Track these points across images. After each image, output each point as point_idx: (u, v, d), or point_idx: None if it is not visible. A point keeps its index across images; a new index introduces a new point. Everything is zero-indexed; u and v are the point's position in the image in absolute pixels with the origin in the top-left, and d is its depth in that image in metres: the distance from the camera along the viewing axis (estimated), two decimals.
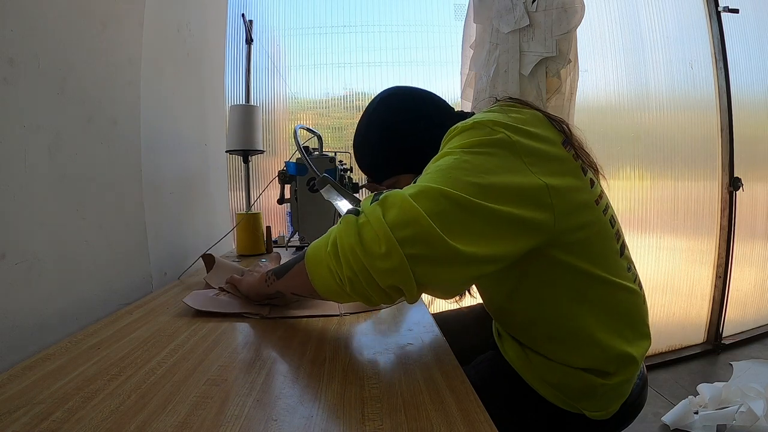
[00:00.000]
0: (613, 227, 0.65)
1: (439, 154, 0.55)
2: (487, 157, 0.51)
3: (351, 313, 0.71)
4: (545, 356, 0.64)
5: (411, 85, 0.81)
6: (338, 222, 0.50)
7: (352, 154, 0.83)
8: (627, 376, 0.65)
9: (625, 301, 0.64)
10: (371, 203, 0.48)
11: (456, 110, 0.79)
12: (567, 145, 0.60)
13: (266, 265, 0.84)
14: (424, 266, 0.45)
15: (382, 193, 0.48)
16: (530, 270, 0.58)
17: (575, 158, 0.60)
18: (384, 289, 0.46)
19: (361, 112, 0.81)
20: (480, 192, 0.48)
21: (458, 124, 0.58)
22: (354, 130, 0.82)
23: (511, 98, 0.67)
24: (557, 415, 0.65)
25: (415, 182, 0.69)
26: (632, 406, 0.68)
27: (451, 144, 0.55)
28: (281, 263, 0.69)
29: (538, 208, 0.52)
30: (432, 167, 0.52)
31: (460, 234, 0.46)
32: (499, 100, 0.66)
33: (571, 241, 0.57)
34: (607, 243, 0.62)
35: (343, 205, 0.82)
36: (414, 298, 0.48)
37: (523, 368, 0.67)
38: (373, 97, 0.80)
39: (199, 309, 0.71)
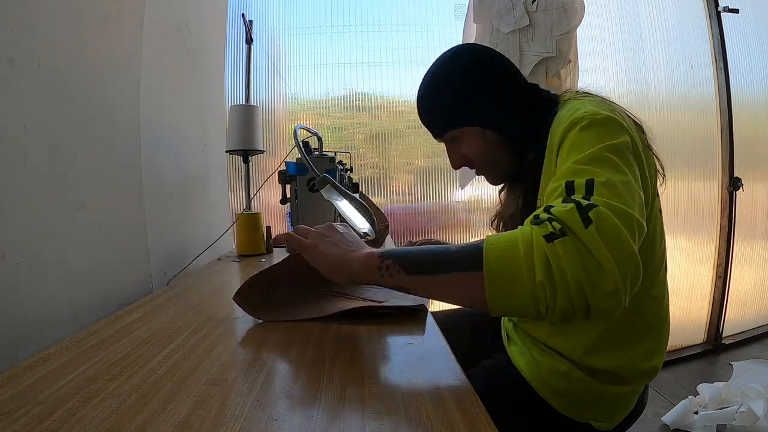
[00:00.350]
0: (664, 238, 0.67)
1: (589, 151, 0.51)
2: (633, 167, 0.52)
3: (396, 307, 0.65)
4: (566, 357, 0.64)
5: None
6: (528, 230, 0.44)
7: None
8: (641, 385, 0.65)
9: (662, 313, 0.67)
10: (583, 223, 0.42)
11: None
12: (648, 147, 0.62)
13: (331, 230, 0.60)
14: (630, 294, 0.43)
15: (580, 205, 0.43)
16: None
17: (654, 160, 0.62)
18: (593, 318, 0.44)
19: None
20: (642, 210, 0.48)
21: (581, 113, 0.55)
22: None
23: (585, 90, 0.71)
24: (561, 423, 0.65)
25: (500, 134, 0.71)
26: (634, 411, 0.68)
27: (592, 140, 0.53)
28: (397, 248, 0.54)
29: (649, 215, 0.54)
30: (602, 175, 0.48)
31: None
32: (581, 92, 0.69)
33: (650, 239, 0.59)
34: (659, 255, 0.65)
35: (344, 205, 0.82)
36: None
37: (531, 373, 0.67)
38: (443, 52, 0.75)
39: (267, 319, 0.63)
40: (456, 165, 0.77)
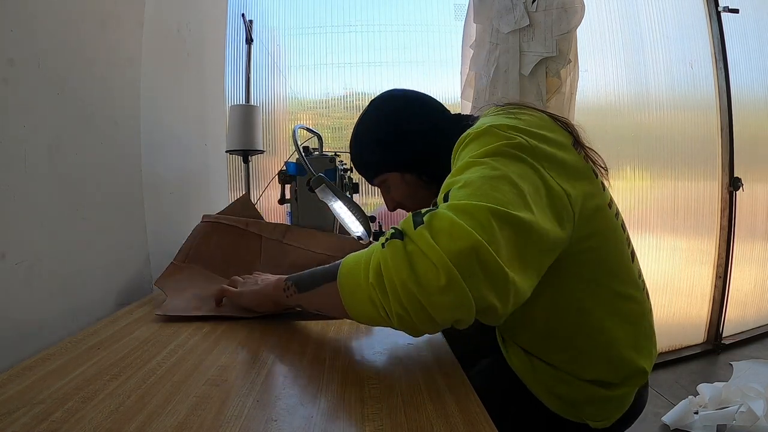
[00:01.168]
0: (624, 232, 0.65)
1: (460, 164, 0.51)
2: (513, 163, 0.49)
3: None
4: (553, 366, 0.64)
5: (406, 87, 0.82)
6: (378, 243, 0.45)
7: (350, 140, 0.83)
8: (633, 387, 0.65)
9: (637, 310, 0.64)
10: (414, 226, 0.42)
11: (453, 112, 0.79)
12: (577, 147, 0.60)
13: (255, 276, 0.72)
14: (484, 295, 0.41)
15: (419, 213, 0.44)
16: (545, 281, 0.52)
17: (585, 160, 0.60)
18: (438, 322, 0.42)
19: (362, 112, 0.81)
20: (519, 203, 0.45)
21: (470, 130, 0.56)
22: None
23: (510, 103, 0.67)
24: (558, 423, 0.65)
25: (425, 181, 0.71)
26: (633, 410, 0.68)
27: (469, 151, 0.53)
28: (299, 273, 0.60)
29: (563, 217, 0.50)
30: (461, 179, 0.48)
31: (510, 259, 0.42)
32: (499, 106, 0.66)
33: (584, 249, 0.56)
34: (620, 249, 0.62)
35: (338, 207, 0.81)
36: (467, 326, 0.44)
37: (527, 376, 0.67)
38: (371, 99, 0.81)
39: (180, 315, 0.67)
40: (390, 208, 0.82)
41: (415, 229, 0.42)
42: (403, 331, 0.45)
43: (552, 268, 0.51)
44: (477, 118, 0.69)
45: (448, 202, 0.44)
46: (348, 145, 0.82)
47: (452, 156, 0.59)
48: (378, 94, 0.81)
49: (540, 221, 0.46)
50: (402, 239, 0.42)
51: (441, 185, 0.60)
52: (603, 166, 0.63)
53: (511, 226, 0.43)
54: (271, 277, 0.66)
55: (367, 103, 0.82)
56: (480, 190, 0.45)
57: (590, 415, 0.64)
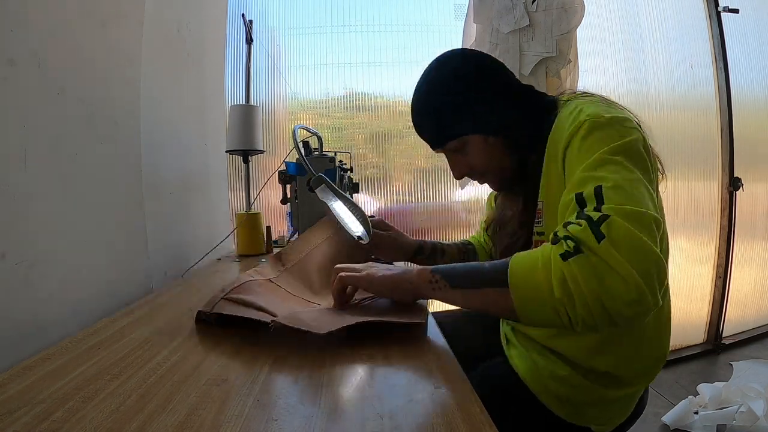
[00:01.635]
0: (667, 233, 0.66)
1: (594, 157, 0.52)
2: (639, 161, 0.52)
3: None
4: (566, 358, 0.64)
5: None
6: (549, 249, 0.47)
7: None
8: (639, 388, 0.65)
9: (667, 308, 0.68)
10: (597, 239, 0.44)
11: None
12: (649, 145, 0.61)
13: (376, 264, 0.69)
14: (659, 301, 0.44)
15: (591, 219, 0.45)
16: None
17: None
18: (621, 325, 0.45)
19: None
20: (653, 206, 0.48)
21: (588, 118, 0.55)
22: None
23: (585, 92, 0.70)
24: (560, 426, 0.65)
25: (509, 149, 0.69)
26: (634, 412, 0.68)
27: (596, 143, 0.53)
28: (449, 265, 0.58)
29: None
30: (609, 178, 0.49)
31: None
32: (578, 93, 0.69)
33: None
34: (666, 249, 0.63)
35: (338, 206, 0.81)
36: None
37: (530, 376, 0.67)
38: (429, 63, 0.73)
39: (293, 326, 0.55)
40: (459, 175, 0.74)
41: (598, 243, 0.43)
42: (582, 333, 0.50)
43: None
44: (556, 98, 0.70)
45: (611, 206, 0.46)
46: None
47: (565, 139, 0.57)
48: (437, 56, 0.72)
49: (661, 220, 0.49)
50: (583, 252, 0.44)
51: (522, 150, 0.68)
52: (663, 171, 0.65)
53: (657, 228, 0.46)
54: (400, 268, 0.63)
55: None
56: (634, 196, 0.47)
57: (593, 418, 0.64)
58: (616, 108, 0.59)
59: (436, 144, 0.73)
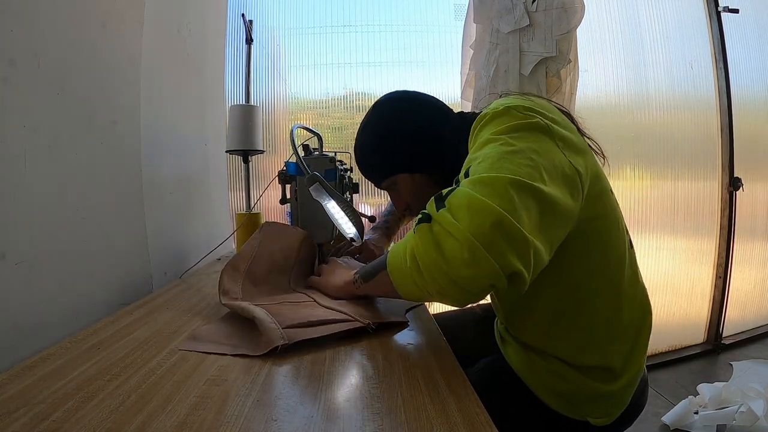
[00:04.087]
0: (622, 220, 0.66)
1: (478, 143, 0.54)
2: (530, 140, 0.51)
3: (378, 322, 0.63)
4: (556, 357, 0.64)
5: (408, 89, 0.82)
6: (412, 230, 0.49)
7: (352, 156, 0.84)
8: (631, 380, 0.65)
9: (635, 292, 0.66)
10: (437, 208, 0.46)
11: (455, 111, 0.79)
12: (581, 133, 0.62)
13: (344, 262, 0.86)
14: (509, 261, 0.43)
15: (441, 194, 0.48)
16: (552, 262, 0.53)
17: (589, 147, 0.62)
18: (473, 292, 0.46)
19: (361, 112, 0.81)
20: (536, 175, 0.47)
21: (487, 110, 0.57)
22: (354, 130, 0.82)
23: (511, 93, 0.69)
24: (558, 421, 0.65)
25: (438, 180, 0.73)
26: (633, 409, 0.68)
27: (489, 131, 0.54)
28: (367, 264, 0.68)
29: (575, 194, 0.52)
30: (480, 155, 0.50)
31: (530, 226, 0.45)
32: (505, 95, 0.67)
33: (589, 230, 0.58)
34: (620, 234, 0.64)
35: (331, 206, 0.80)
36: (505, 287, 0.46)
37: (526, 373, 0.67)
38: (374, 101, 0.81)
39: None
40: (400, 210, 0.83)
41: (437, 210, 0.46)
42: (448, 304, 0.50)
43: (559, 248, 0.53)
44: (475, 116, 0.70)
45: (467, 179, 0.47)
46: (348, 145, 0.83)
47: (470, 137, 0.60)
48: (380, 96, 0.81)
49: (555, 192, 0.48)
50: (429, 222, 0.46)
51: (449, 182, 0.63)
52: (602, 154, 0.65)
53: (528, 195, 0.45)
54: (344, 271, 0.76)
55: (367, 104, 0.83)
56: (497, 164, 0.47)
57: (589, 412, 0.64)
58: (531, 101, 0.58)
59: (374, 182, 0.81)
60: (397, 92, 0.80)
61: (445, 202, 0.46)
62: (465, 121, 0.69)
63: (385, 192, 0.85)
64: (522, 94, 0.67)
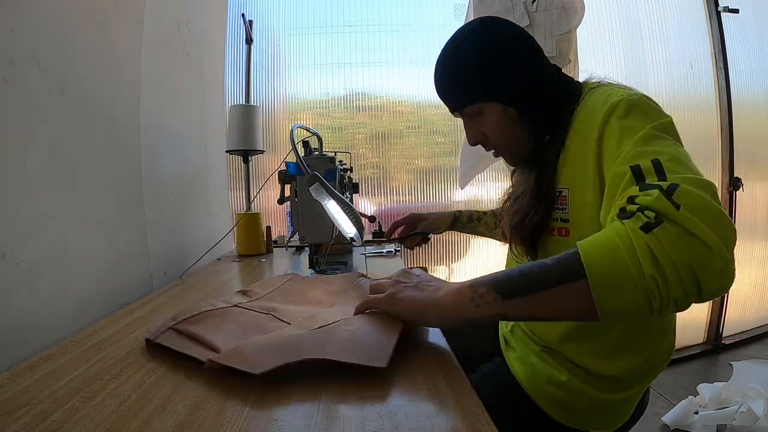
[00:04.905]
0: None
1: (641, 134, 0.51)
2: (679, 140, 0.53)
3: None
4: (571, 360, 0.64)
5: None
6: (622, 227, 0.41)
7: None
8: (640, 389, 0.65)
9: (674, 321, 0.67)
10: (673, 205, 0.40)
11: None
12: None
13: (362, 282, 0.73)
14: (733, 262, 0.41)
15: (660, 188, 0.42)
16: None
17: None
18: (704, 302, 0.42)
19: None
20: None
21: (623, 97, 0.56)
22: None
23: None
24: (557, 431, 0.65)
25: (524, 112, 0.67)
26: (634, 415, 0.68)
27: (638, 120, 0.53)
28: (491, 275, 0.49)
29: None
30: (664, 152, 0.47)
31: None
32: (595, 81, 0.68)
33: None
34: None
35: (331, 206, 0.80)
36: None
37: (528, 382, 0.67)
38: (460, 27, 0.70)
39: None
40: (473, 141, 0.73)
41: (678, 210, 0.40)
42: (666, 315, 0.44)
43: None
44: (579, 82, 0.70)
45: (676, 176, 0.43)
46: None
47: (599, 120, 0.56)
48: (470, 21, 0.71)
49: None
50: (665, 222, 0.40)
51: (539, 128, 0.67)
52: None
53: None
54: (437, 284, 0.54)
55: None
56: (692, 167, 0.46)
57: (590, 422, 0.64)
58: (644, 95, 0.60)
59: (454, 107, 0.71)
60: (497, 18, 0.71)
61: (674, 198, 0.40)
62: (567, 82, 0.69)
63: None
64: (625, 87, 0.64)
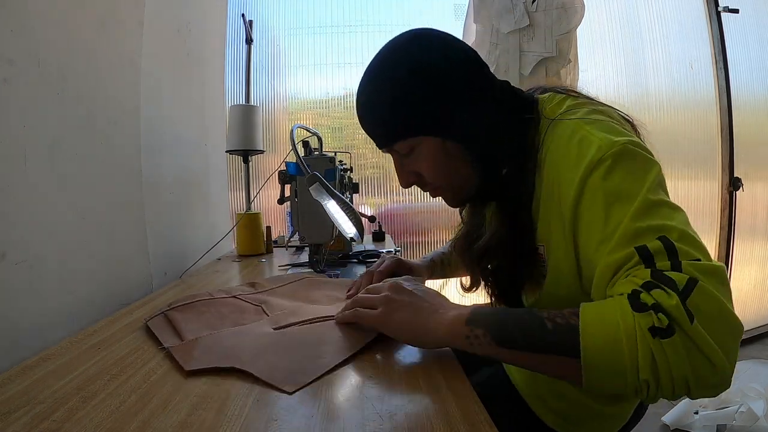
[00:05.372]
0: None
1: (640, 201, 0.45)
2: (664, 187, 0.48)
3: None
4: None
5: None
6: (632, 317, 0.39)
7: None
8: (637, 400, 0.64)
9: None
10: (689, 317, 0.38)
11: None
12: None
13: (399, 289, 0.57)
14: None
15: (675, 284, 0.39)
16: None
17: None
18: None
19: (383, 52, 0.58)
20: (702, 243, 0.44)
21: (600, 150, 0.47)
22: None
23: (571, 91, 0.61)
24: None
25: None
26: (634, 416, 0.68)
27: (625, 180, 0.46)
28: (483, 309, 0.49)
29: None
30: (671, 227, 0.43)
31: None
32: (559, 93, 0.59)
33: None
34: None
35: (331, 206, 0.80)
36: None
37: (526, 390, 0.67)
38: (386, 43, 0.58)
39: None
40: (406, 183, 0.62)
41: (691, 323, 0.38)
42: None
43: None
44: (533, 99, 0.60)
45: (690, 263, 0.40)
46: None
47: (575, 181, 0.48)
48: (397, 35, 0.58)
49: None
50: (676, 332, 0.38)
51: (488, 163, 0.57)
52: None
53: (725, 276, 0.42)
54: (432, 304, 0.52)
55: None
56: (699, 243, 0.43)
57: (588, 430, 0.64)
58: (610, 119, 0.52)
59: (380, 143, 0.60)
60: (429, 31, 0.58)
61: (689, 303, 0.38)
62: (518, 98, 0.59)
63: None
64: (583, 99, 0.58)
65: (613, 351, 0.40)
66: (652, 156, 0.49)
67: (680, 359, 0.38)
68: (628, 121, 0.57)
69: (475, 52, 0.59)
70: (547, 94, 0.60)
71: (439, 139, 0.56)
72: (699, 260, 0.40)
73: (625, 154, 0.46)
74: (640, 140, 0.51)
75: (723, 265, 0.43)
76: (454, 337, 0.48)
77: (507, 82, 0.60)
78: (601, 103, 0.58)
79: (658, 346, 0.38)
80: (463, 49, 0.57)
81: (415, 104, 0.54)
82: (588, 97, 0.59)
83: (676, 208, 0.46)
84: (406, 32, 0.58)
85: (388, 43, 0.58)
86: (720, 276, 0.40)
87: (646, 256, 0.42)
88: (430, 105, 0.54)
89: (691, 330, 0.38)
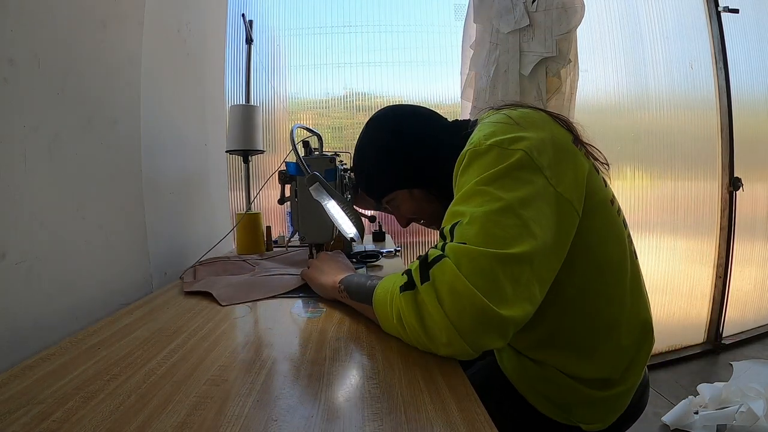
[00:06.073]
0: (625, 229, 0.65)
1: (465, 189, 0.53)
2: (516, 187, 0.50)
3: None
4: (552, 365, 0.64)
5: (402, 103, 0.83)
6: (402, 279, 0.51)
7: (352, 156, 0.84)
8: (628, 386, 0.64)
9: (638, 303, 0.65)
10: (421, 277, 0.48)
11: (450, 120, 0.78)
12: (577, 144, 0.60)
13: (337, 255, 0.85)
14: (483, 344, 0.46)
15: (426, 259, 0.48)
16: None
17: (587, 157, 0.61)
18: (448, 357, 0.50)
19: (361, 112, 0.81)
20: (524, 233, 0.47)
21: (468, 147, 0.56)
22: (354, 130, 0.83)
23: (507, 104, 0.67)
24: (549, 426, 0.65)
25: (429, 194, 0.75)
26: (633, 411, 0.68)
27: (472, 174, 0.53)
28: (353, 276, 0.70)
29: (569, 225, 0.53)
30: (467, 212, 0.50)
31: (512, 297, 0.46)
32: (495, 109, 0.66)
33: (590, 242, 0.58)
34: (619, 249, 0.63)
35: (332, 206, 0.80)
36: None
37: (518, 379, 0.67)
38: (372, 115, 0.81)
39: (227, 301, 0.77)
40: (404, 224, 0.83)
41: (422, 283, 0.47)
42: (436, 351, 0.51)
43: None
44: (476, 123, 0.68)
45: (454, 243, 0.48)
46: (348, 145, 0.83)
47: (454, 173, 0.58)
48: (379, 100, 0.81)
49: (546, 238, 0.49)
50: (413, 289, 0.48)
51: (448, 197, 0.62)
52: (604, 162, 0.65)
53: (515, 264, 0.46)
54: (332, 271, 0.76)
55: (367, 104, 0.83)
56: (484, 229, 0.48)
57: (581, 417, 0.64)
58: (516, 125, 0.57)
59: (375, 200, 0.81)
60: (390, 108, 0.80)
61: (430, 273, 0.47)
62: (460, 133, 0.68)
63: None
64: (514, 104, 0.66)
65: (383, 300, 0.55)
66: (523, 154, 0.52)
67: (410, 310, 0.49)
68: (561, 119, 0.63)
69: (421, 115, 0.76)
70: (486, 114, 0.69)
71: (405, 191, 0.76)
72: (465, 244, 0.47)
73: (484, 152, 0.54)
74: (529, 145, 0.54)
75: (489, 250, 0.46)
76: (333, 291, 0.71)
77: (455, 122, 0.77)
78: (533, 108, 0.64)
79: (399, 299, 0.50)
80: (417, 114, 0.76)
81: (381, 171, 0.76)
82: (523, 105, 0.66)
83: (495, 197, 0.50)
84: (378, 111, 0.80)
85: (367, 121, 0.80)
86: (476, 260, 0.45)
87: (442, 236, 0.52)
88: (389, 170, 0.75)
89: (422, 289, 0.47)
